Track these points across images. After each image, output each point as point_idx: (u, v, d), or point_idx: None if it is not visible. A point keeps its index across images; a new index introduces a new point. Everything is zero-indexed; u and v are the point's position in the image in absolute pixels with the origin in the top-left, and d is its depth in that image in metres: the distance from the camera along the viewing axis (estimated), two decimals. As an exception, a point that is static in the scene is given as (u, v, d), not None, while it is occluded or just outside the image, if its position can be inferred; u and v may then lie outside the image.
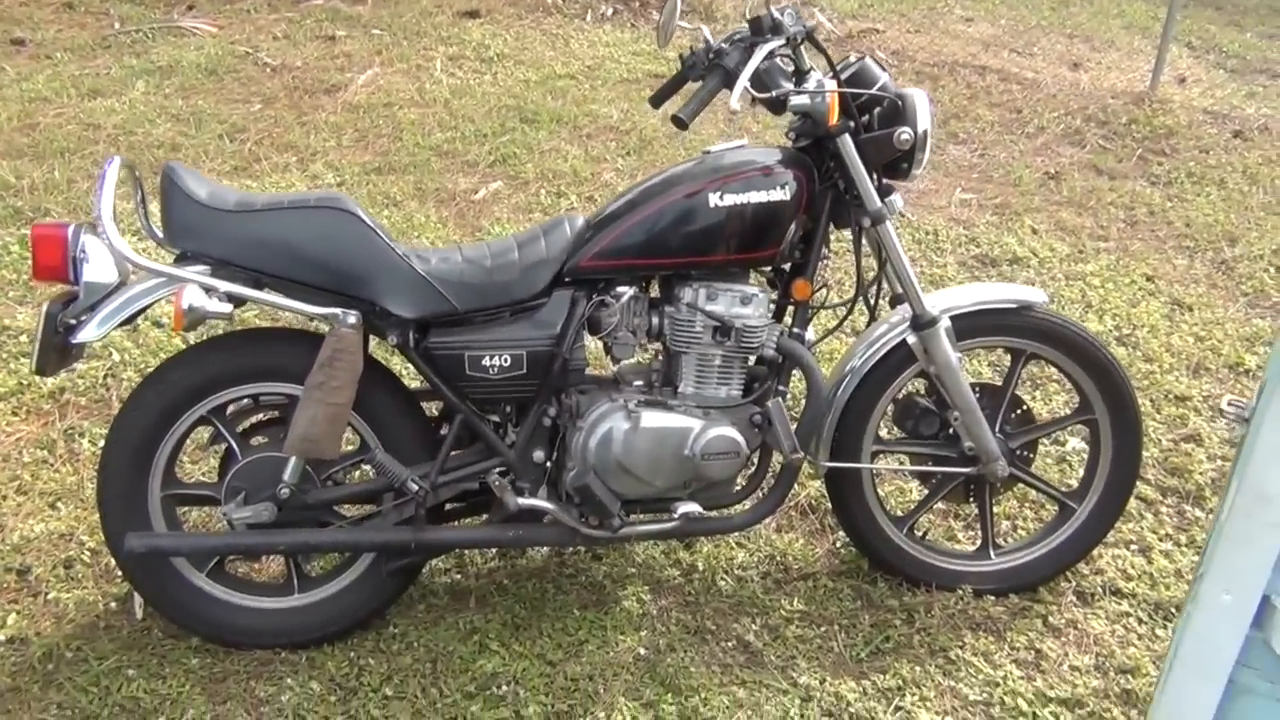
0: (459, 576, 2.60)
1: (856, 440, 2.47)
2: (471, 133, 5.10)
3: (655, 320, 2.32)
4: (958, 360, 2.40)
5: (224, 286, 2.11)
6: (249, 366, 2.24)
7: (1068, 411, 2.97)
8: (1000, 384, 2.56)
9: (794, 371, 2.40)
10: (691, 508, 2.33)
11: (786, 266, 2.38)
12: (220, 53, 5.93)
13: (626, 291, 2.27)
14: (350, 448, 2.40)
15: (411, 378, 2.63)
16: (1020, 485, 2.64)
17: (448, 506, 2.41)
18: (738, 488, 2.46)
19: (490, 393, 2.28)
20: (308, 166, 4.71)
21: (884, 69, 2.32)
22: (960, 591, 2.56)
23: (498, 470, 2.32)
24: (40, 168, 4.48)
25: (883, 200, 2.32)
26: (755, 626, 2.48)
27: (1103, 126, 5.72)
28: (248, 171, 4.64)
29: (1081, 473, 2.70)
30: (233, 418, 2.33)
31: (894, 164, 2.31)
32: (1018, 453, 2.54)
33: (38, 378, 2.95)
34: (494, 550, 2.65)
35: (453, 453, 2.32)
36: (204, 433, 2.50)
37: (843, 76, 2.29)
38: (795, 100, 2.23)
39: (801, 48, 2.27)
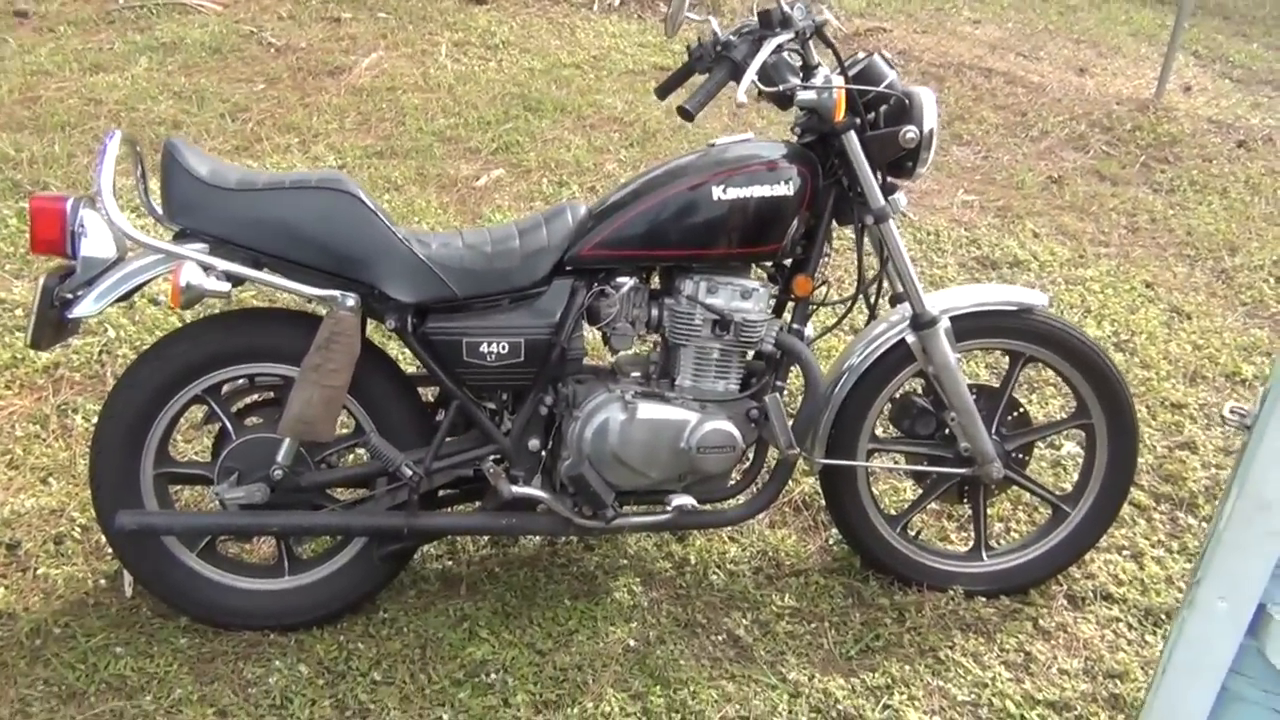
0: (450, 563, 2.59)
1: (852, 438, 2.47)
2: (475, 119, 5.08)
3: (655, 312, 2.32)
4: (956, 361, 2.39)
5: (222, 265, 2.09)
6: (245, 346, 2.23)
7: (1064, 415, 2.97)
8: (997, 386, 2.56)
9: (792, 367, 2.40)
10: (685, 501, 2.33)
11: (788, 262, 2.37)
12: (224, 31, 5.90)
13: (627, 282, 2.26)
14: (345, 431, 2.39)
15: (408, 362, 2.62)
16: (1014, 487, 2.64)
17: (441, 493, 2.40)
18: (732, 482, 2.46)
19: (487, 380, 2.28)
20: (309, 148, 4.69)
21: (892, 67, 2.31)
22: (951, 592, 2.56)
23: (492, 458, 2.31)
24: (40, 141, 4.46)
25: (886, 198, 2.31)
26: (746, 621, 2.48)
27: (1107, 132, 5.72)
28: (249, 151, 4.62)
29: (1076, 477, 2.70)
30: (228, 397, 2.32)
31: (899, 162, 2.31)
32: (1013, 455, 2.54)
33: (32, 352, 2.94)
34: (486, 538, 2.64)
35: (448, 439, 2.31)
36: (198, 412, 2.49)
37: (850, 73, 2.27)
38: (802, 95, 2.22)
39: (810, 43, 2.25)
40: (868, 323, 2.53)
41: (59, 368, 3.09)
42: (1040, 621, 2.54)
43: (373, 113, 5.11)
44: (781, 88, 2.22)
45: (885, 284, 2.43)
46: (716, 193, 2.21)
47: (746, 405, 2.35)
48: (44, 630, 2.29)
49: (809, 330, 2.39)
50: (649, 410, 2.27)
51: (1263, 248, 4.60)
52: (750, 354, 2.39)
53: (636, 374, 2.38)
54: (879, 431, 2.56)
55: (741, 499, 2.47)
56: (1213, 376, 3.60)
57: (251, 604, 2.34)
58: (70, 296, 2.06)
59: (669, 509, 2.33)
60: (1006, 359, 2.57)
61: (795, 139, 2.37)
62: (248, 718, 2.14)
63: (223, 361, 2.22)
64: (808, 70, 2.25)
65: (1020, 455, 2.57)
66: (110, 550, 2.38)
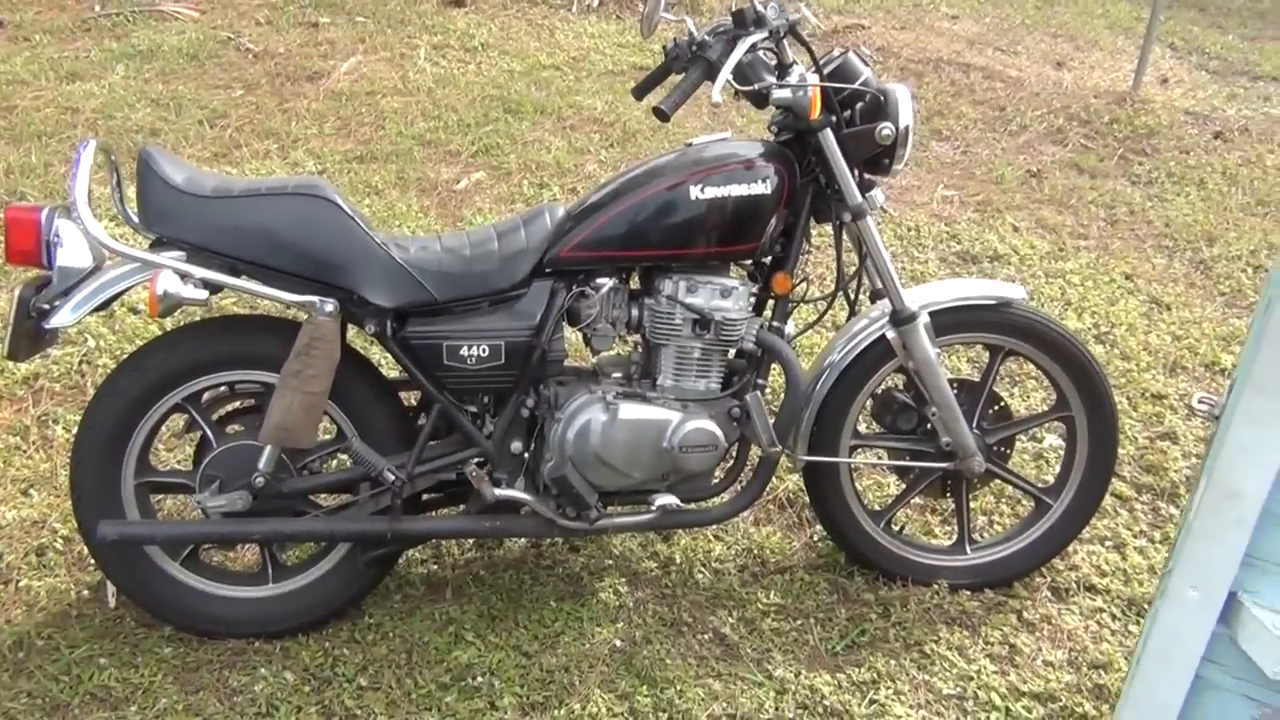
0: (435, 567, 2.59)
1: (835, 434, 2.48)
2: (454, 122, 5.07)
3: (635, 312, 2.32)
4: (936, 356, 2.40)
5: (199, 273, 2.09)
6: (225, 354, 2.22)
7: (1045, 408, 2.99)
8: (978, 380, 2.57)
9: (773, 365, 2.40)
10: (669, 500, 2.33)
11: (767, 260, 2.37)
12: (202, 38, 5.88)
13: (606, 283, 2.26)
14: (327, 437, 2.39)
15: (389, 367, 2.62)
16: (997, 481, 2.66)
17: (425, 497, 2.40)
18: (716, 481, 2.46)
19: (468, 383, 2.27)
20: (289, 154, 4.68)
21: (867, 64, 2.32)
22: (936, 586, 2.57)
23: (475, 461, 2.31)
24: (17, 150, 4.44)
25: (864, 195, 2.32)
26: (731, 619, 2.48)
27: (1085, 125, 5.75)
28: (228, 158, 4.60)
29: (1058, 469, 2.72)
30: (208, 405, 2.31)
31: (875, 159, 2.31)
32: (995, 448, 2.55)
33: (10, 363, 2.92)
34: (471, 541, 2.64)
35: (430, 443, 2.31)
36: (179, 420, 2.48)
37: (825, 71, 2.28)
38: (777, 94, 2.23)
39: (785, 41, 2.26)
40: (848, 319, 2.53)
41: (39, 378, 3.07)
42: (1024, 614, 2.55)
43: (352, 117, 5.09)
44: (757, 86, 2.22)
45: (865, 280, 2.44)
46: (694, 192, 2.21)
47: (728, 404, 2.36)
48: (27, 643, 2.28)
49: (789, 328, 2.39)
50: (631, 410, 2.28)
51: (1240, 238, 4.63)
52: (731, 353, 2.39)
53: (618, 374, 2.38)
54: (861, 427, 2.57)
55: (725, 497, 2.48)
56: (1192, 367, 3.62)
57: (236, 612, 2.34)
58: (47, 307, 2.05)
59: (653, 509, 2.33)
60: (987, 353, 2.58)
61: (772, 137, 2.38)
62: (233, 726, 2.13)
63: (203, 369, 2.21)
64: (783, 69, 2.26)
65: (1002, 449, 2.59)
66: (93, 561, 2.37)
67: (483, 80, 5.64)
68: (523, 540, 2.65)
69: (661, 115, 2.16)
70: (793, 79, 2.24)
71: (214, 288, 2.13)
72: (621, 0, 7.00)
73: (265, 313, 2.76)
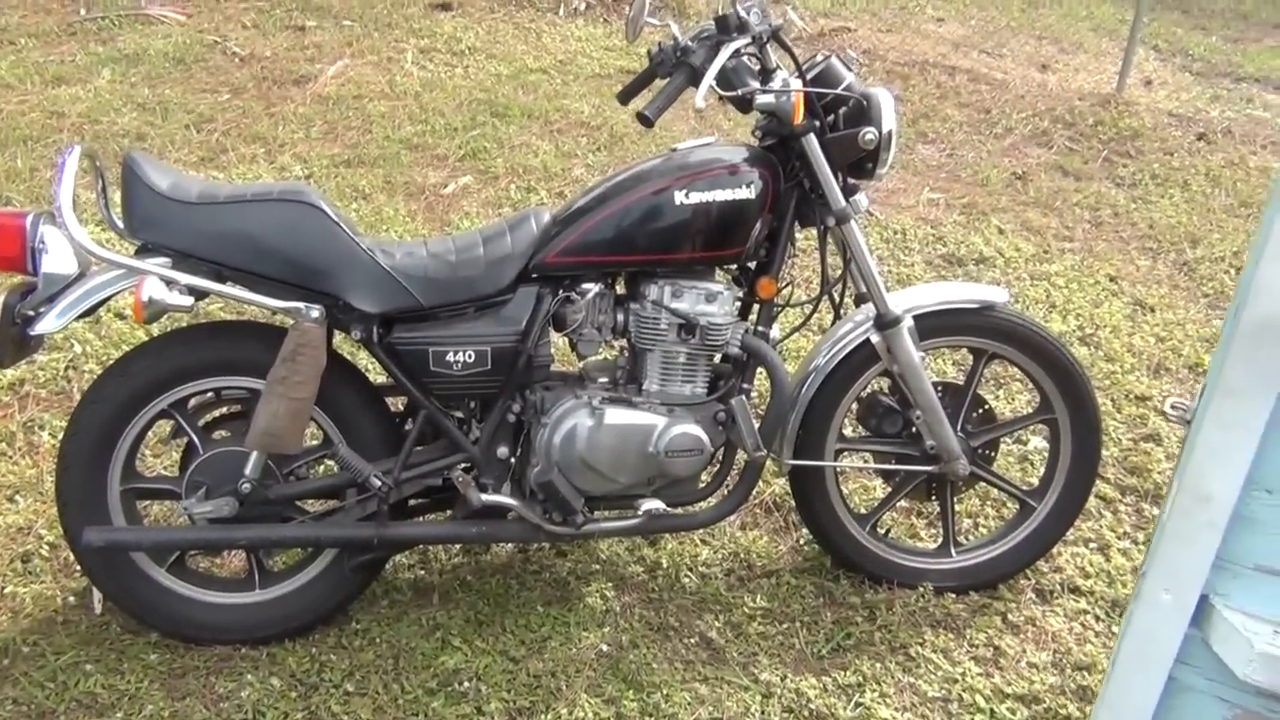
0: (422, 572, 2.59)
1: (820, 438, 2.49)
2: (442, 126, 5.08)
3: (620, 317, 2.33)
4: (920, 359, 2.42)
5: (185, 279, 2.09)
6: (211, 360, 2.22)
7: (1029, 411, 3.01)
8: (962, 383, 2.58)
9: (759, 370, 2.41)
10: (655, 505, 2.34)
11: (752, 265, 2.39)
12: (188, 41, 5.87)
13: (592, 288, 2.27)
14: (313, 443, 2.38)
15: (376, 373, 2.62)
16: (981, 483, 2.67)
17: (411, 502, 2.40)
18: (702, 485, 2.47)
19: (455, 389, 2.28)
20: (276, 158, 4.67)
21: (850, 69, 2.33)
22: (921, 589, 2.59)
23: (462, 466, 2.32)
24: (2, 156, 4.42)
25: (847, 200, 2.33)
26: (718, 623, 2.49)
27: (1069, 128, 5.78)
28: (215, 162, 4.59)
29: (1042, 471, 2.73)
30: (194, 411, 2.31)
31: (859, 163, 2.33)
32: (979, 451, 2.57)
33: (-4, 369, 2.91)
34: (458, 546, 2.64)
35: (416, 448, 2.32)
36: (165, 426, 2.48)
37: (808, 76, 2.30)
38: (760, 99, 2.24)
39: (768, 47, 2.27)
40: (833, 323, 2.55)
41: (25, 384, 3.06)
42: (1009, 616, 2.57)
43: (339, 121, 5.09)
44: (740, 92, 2.23)
45: (849, 284, 2.45)
46: (679, 197, 2.22)
47: (714, 408, 2.37)
48: (12, 649, 2.27)
49: (774, 332, 2.40)
50: (617, 415, 2.28)
51: (1224, 239, 4.66)
52: (717, 357, 2.40)
53: (604, 379, 2.39)
54: (846, 431, 2.58)
55: (712, 502, 2.48)
56: (1176, 368, 3.65)
57: (222, 618, 2.33)
58: (32, 313, 2.05)
59: (639, 513, 2.34)
60: (971, 356, 2.60)
61: (757, 142, 2.39)
62: (220, 733, 2.13)
63: (189, 375, 2.21)
64: (766, 74, 2.27)
65: (986, 451, 2.60)
66: (79, 567, 2.36)
67: (470, 84, 5.64)
68: (509, 545, 2.66)
69: (645, 121, 2.17)
70: (776, 84, 2.25)
71: (200, 294, 2.13)
72: (608, 4, 7.01)
73: (251, 319, 2.76)
